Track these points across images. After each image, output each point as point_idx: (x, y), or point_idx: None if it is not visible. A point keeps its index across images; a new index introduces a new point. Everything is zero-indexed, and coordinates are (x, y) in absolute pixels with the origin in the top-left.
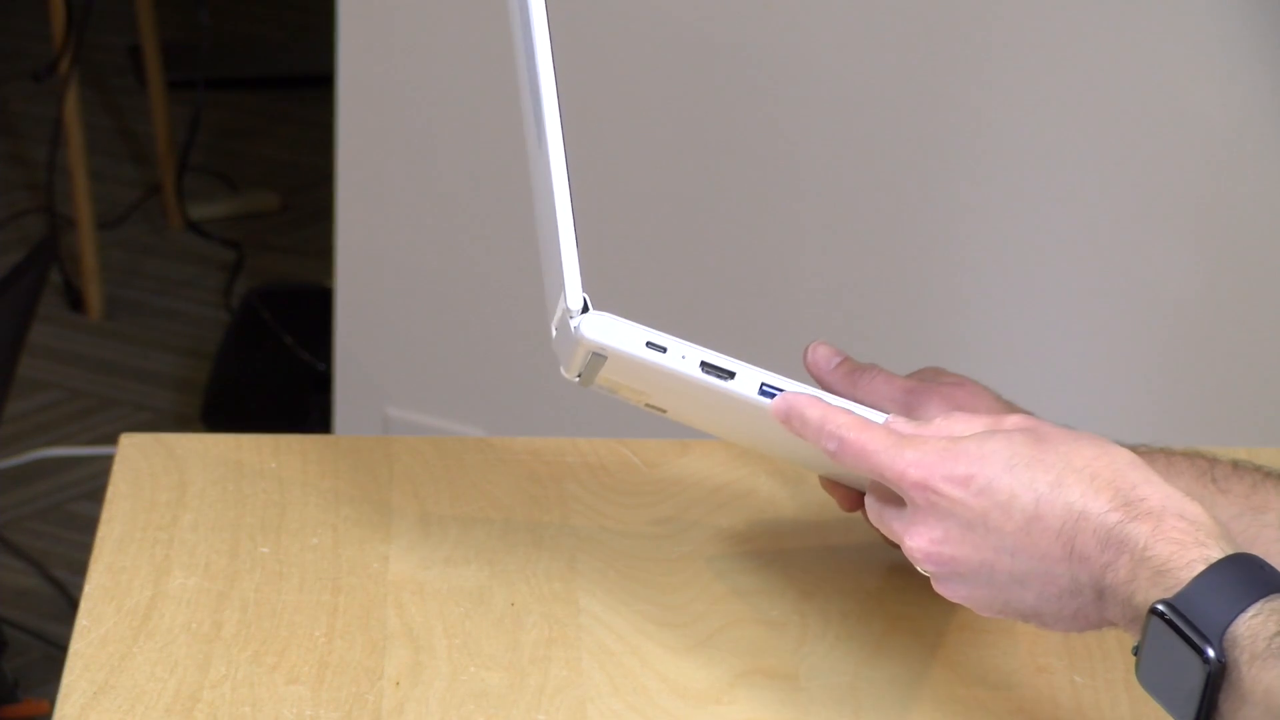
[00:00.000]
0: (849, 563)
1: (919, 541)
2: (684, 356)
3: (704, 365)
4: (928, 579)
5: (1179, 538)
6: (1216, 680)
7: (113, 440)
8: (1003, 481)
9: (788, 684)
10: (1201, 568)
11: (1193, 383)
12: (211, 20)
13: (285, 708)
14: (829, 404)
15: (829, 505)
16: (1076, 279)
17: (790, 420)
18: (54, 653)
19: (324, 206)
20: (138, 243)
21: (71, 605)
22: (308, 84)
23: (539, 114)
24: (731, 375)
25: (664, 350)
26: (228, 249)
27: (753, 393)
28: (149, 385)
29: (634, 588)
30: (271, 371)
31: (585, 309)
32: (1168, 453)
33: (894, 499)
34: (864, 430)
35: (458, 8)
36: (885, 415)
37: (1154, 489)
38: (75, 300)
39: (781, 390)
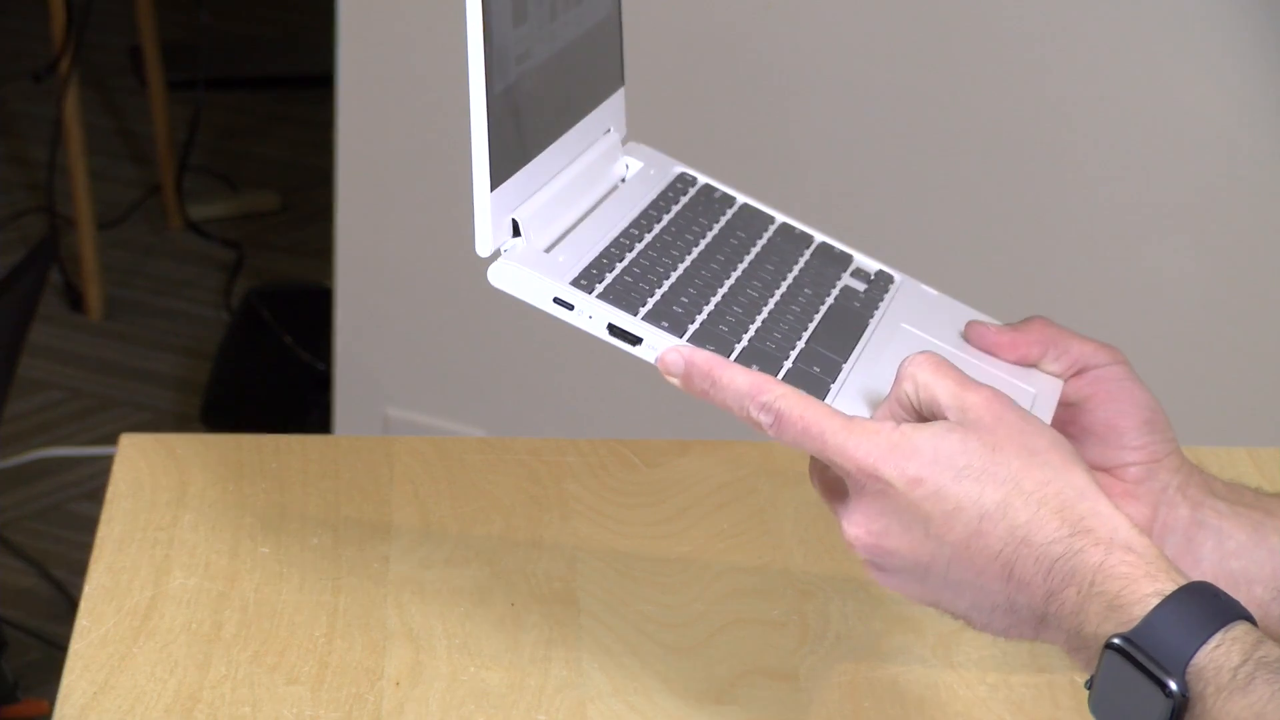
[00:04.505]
0: (849, 562)
1: (858, 530)
2: (591, 316)
3: (611, 327)
4: None
5: (1128, 571)
6: (1179, 714)
7: (113, 440)
8: (950, 491)
9: (788, 684)
10: (1156, 601)
11: (1193, 383)
12: (211, 20)
13: (285, 708)
14: (751, 370)
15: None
16: (1076, 279)
17: (691, 381)
18: (54, 653)
19: (324, 206)
20: (138, 243)
21: (71, 605)
22: (308, 84)
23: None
24: (638, 340)
25: (571, 308)
26: (228, 249)
27: (655, 359)
28: (149, 385)
29: (634, 588)
30: (271, 371)
31: (508, 250)
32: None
33: (834, 476)
34: (807, 406)
35: (458, 8)
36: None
37: (1102, 520)
38: (75, 300)
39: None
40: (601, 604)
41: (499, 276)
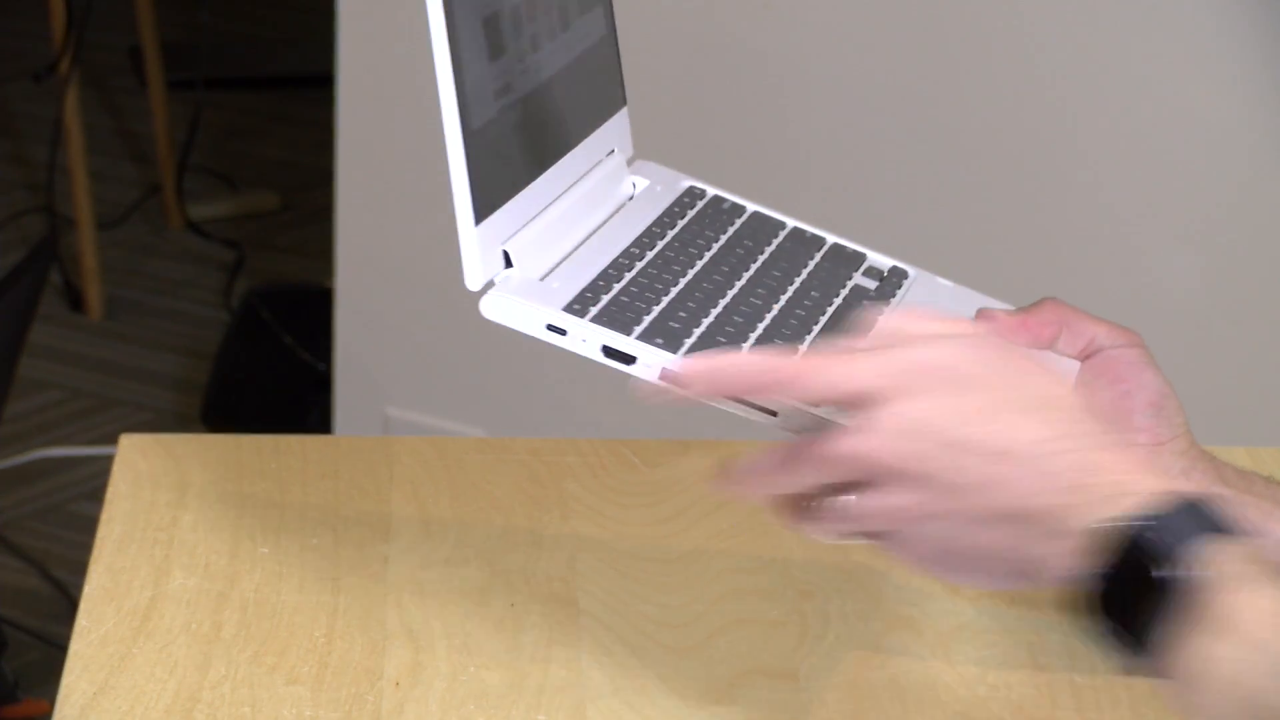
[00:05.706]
0: (849, 563)
1: (880, 439)
2: (584, 340)
3: (605, 349)
4: (928, 579)
5: (1141, 479)
6: (1185, 601)
7: (113, 440)
8: (958, 433)
9: (788, 684)
10: (1172, 498)
11: (1193, 383)
12: (211, 20)
13: (285, 708)
14: (729, 359)
15: None
16: (1076, 279)
17: (691, 385)
18: (54, 653)
19: (324, 206)
20: (138, 243)
21: (71, 605)
22: (308, 84)
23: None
24: (632, 360)
25: (564, 333)
26: (228, 249)
27: (653, 377)
28: (149, 385)
29: (634, 588)
30: (271, 371)
31: (501, 280)
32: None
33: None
34: (796, 358)
35: None
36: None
37: (1114, 472)
38: (75, 300)
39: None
40: (601, 604)
41: (490, 309)
